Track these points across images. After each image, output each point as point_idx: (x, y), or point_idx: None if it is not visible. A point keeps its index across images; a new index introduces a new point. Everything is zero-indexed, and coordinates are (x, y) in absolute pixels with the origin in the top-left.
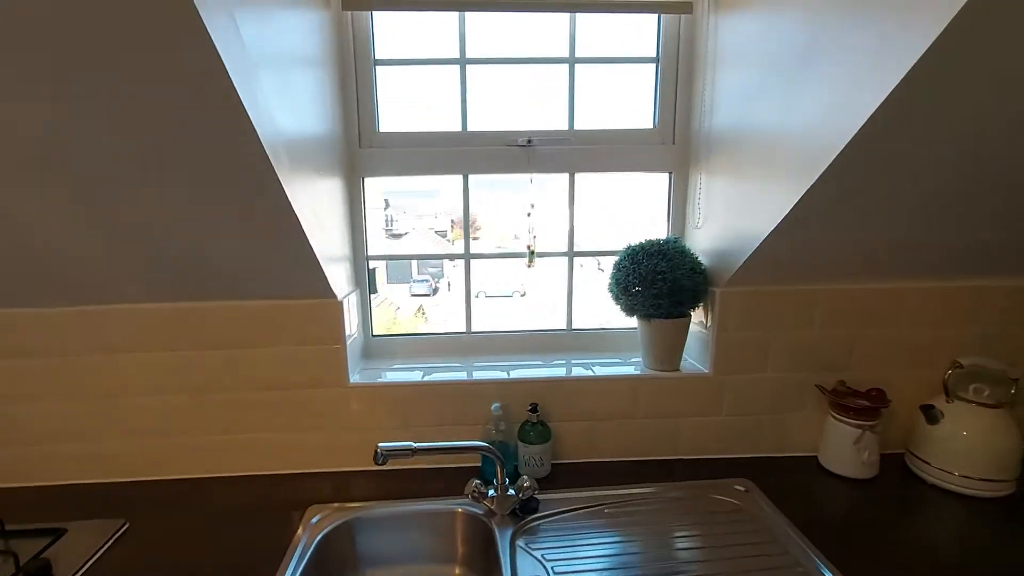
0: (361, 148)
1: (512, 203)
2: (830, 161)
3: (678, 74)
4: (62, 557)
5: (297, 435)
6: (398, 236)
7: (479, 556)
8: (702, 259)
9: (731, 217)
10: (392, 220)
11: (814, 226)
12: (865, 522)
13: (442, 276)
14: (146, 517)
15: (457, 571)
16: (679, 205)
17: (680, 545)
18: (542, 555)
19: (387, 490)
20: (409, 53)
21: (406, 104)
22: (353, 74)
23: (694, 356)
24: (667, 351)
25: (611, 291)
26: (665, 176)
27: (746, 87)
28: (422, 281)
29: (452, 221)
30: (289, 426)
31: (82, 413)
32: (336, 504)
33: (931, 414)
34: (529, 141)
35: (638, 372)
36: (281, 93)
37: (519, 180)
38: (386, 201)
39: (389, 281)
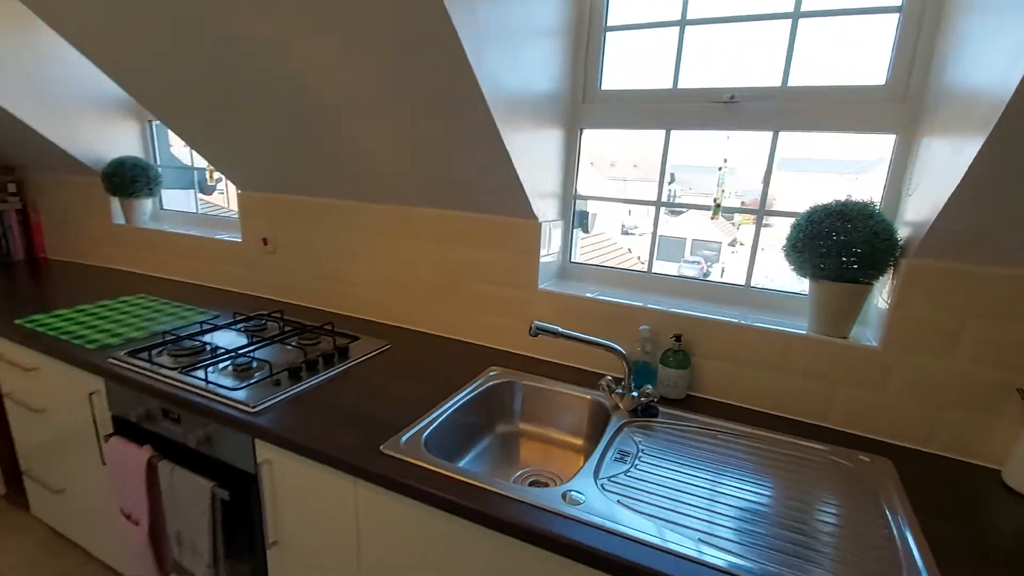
0: (583, 103)
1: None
2: (1002, 109)
3: (921, 24)
4: (354, 349)
5: (497, 319)
6: (677, 213)
7: (597, 435)
8: (906, 229)
9: (933, 183)
10: (674, 196)
11: (1008, 192)
12: (1018, 545)
13: (716, 261)
14: (399, 345)
15: (580, 442)
16: (898, 170)
17: (766, 484)
18: (639, 441)
19: (545, 371)
20: (633, 17)
21: (625, 63)
22: (585, 40)
23: (872, 331)
24: (833, 315)
25: (784, 249)
26: (889, 139)
27: (976, 34)
28: (693, 263)
29: (743, 203)
30: (493, 311)
31: (379, 275)
32: (508, 369)
33: None
34: (732, 97)
35: (793, 330)
36: (507, 61)
37: (830, 162)
38: (672, 175)
39: (659, 258)
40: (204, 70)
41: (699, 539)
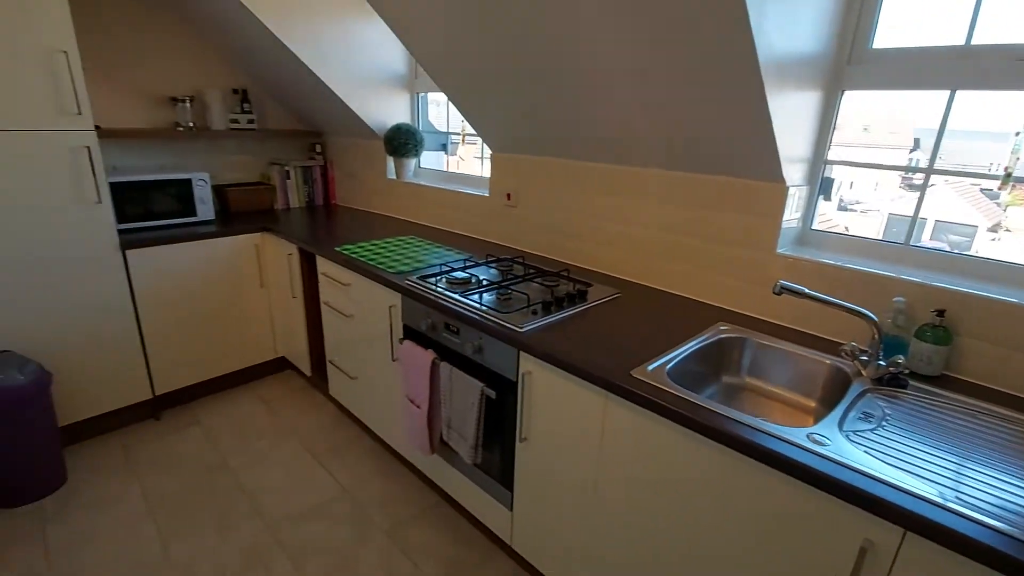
0: (849, 65)
1: None
2: None
3: None
4: (589, 294)
5: (726, 279)
6: (914, 187)
7: (831, 399)
8: None
9: None
10: (916, 164)
11: None
12: None
13: (968, 249)
14: (628, 295)
15: (812, 404)
16: None
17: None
18: (884, 407)
19: (772, 333)
20: None
21: (902, 20)
22: None
23: None
24: None
25: None
26: None
27: None
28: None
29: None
30: (723, 271)
31: (609, 231)
32: (738, 326)
33: None
34: None
35: None
36: (783, 22)
37: None
38: (915, 141)
39: (887, 239)
40: (486, 48)
41: (956, 496)
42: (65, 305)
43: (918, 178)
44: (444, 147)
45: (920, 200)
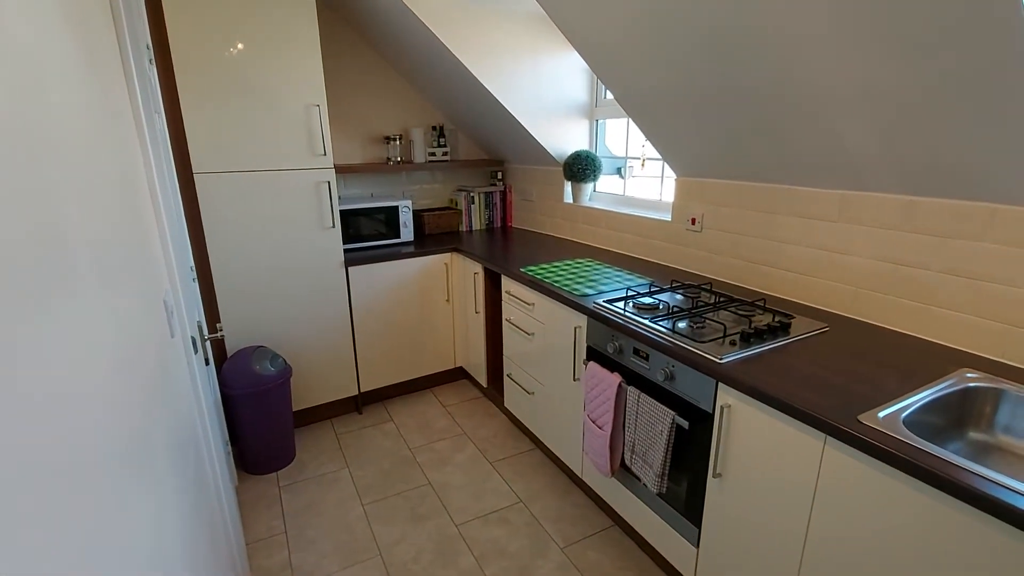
0: None
1: None
2: None
3: None
4: (793, 326)
5: (972, 318)
6: None
7: None
8: None
9: None
10: None
11: None
12: None
13: None
14: (838, 330)
15: None
16: None
17: None
18: None
19: None
20: None
21: None
22: None
23: None
24: None
25: None
26: None
27: None
28: None
29: None
30: (963, 307)
31: (810, 259)
32: (990, 374)
33: None
34: None
35: None
36: None
37: None
38: None
39: None
40: (682, 69)
41: None
42: (303, 312)
43: None
44: (619, 171)
45: None
